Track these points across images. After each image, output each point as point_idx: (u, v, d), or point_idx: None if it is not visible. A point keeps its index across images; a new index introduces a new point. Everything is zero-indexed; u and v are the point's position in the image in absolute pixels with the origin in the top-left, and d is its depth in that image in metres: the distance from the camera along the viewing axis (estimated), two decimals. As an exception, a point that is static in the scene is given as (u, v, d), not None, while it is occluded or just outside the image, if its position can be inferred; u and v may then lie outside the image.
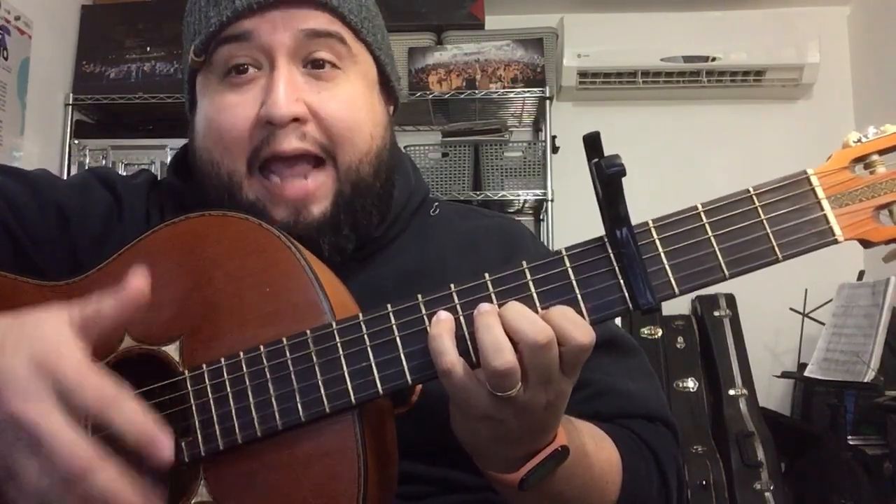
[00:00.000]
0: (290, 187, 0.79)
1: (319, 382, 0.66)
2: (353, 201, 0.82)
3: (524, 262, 0.65)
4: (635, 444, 0.82)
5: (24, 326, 0.61)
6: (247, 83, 0.80)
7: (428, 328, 0.65)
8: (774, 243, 0.63)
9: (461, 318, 0.64)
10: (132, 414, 0.58)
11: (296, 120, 0.78)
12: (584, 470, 0.73)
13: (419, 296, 0.66)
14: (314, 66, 0.81)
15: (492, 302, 0.64)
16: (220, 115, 0.80)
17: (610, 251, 0.65)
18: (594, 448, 0.75)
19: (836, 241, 0.63)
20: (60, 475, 0.56)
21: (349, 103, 0.82)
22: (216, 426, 0.67)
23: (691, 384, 2.72)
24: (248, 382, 0.67)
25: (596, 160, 0.62)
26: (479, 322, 0.62)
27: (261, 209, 0.79)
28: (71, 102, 2.75)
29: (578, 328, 0.61)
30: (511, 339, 0.60)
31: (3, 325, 0.61)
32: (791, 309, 2.71)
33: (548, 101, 2.81)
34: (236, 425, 0.67)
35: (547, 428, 0.67)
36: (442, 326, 0.63)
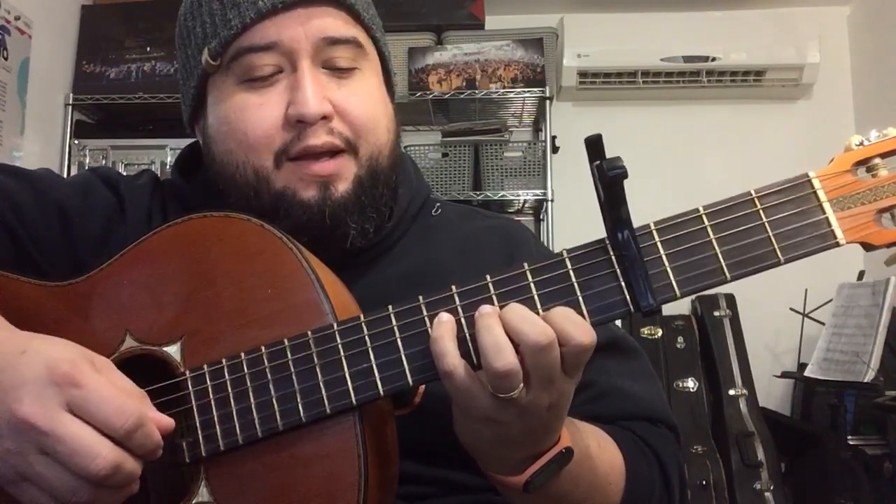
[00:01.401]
0: (317, 165, 0.80)
1: (320, 383, 0.66)
2: (373, 187, 0.83)
3: (525, 264, 0.66)
4: (638, 445, 0.83)
5: (49, 341, 0.63)
6: (268, 84, 0.81)
7: (429, 329, 0.65)
8: (776, 246, 0.63)
9: (462, 319, 0.65)
10: (149, 438, 0.61)
11: (324, 118, 0.79)
12: (587, 471, 0.73)
13: (420, 297, 0.66)
14: (333, 64, 0.82)
15: (493, 303, 0.64)
16: (244, 115, 0.80)
17: (611, 253, 0.65)
18: (597, 450, 0.75)
19: (837, 245, 0.64)
20: (85, 474, 0.58)
21: (368, 98, 0.84)
22: (217, 427, 0.68)
23: (691, 384, 2.72)
24: (249, 383, 0.68)
25: (598, 162, 0.62)
26: (480, 323, 0.62)
27: (290, 194, 0.80)
28: (71, 102, 2.75)
29: (579, 329, 0.61)
30: (512, 341, 0.60)
31: (28, 336, 0.64)
32: (791, 309, 2.71)
33: (548, 101, 2.81)
34: (237, 426, 0.67)
35: (550, 429, 0.67)
36: (443, 328, 0.63)
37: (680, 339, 2.80)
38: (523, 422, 0.63)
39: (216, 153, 0.84)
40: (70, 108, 2.75)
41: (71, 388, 0.59)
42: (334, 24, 0.81)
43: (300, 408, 0.66)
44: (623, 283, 0.64)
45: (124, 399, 0.60)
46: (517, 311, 0.62)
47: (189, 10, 0.86)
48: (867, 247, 0.64)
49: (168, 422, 0.63)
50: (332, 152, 0.81)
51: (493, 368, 0.60)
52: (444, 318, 0.64)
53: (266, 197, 0.80)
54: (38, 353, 0.61)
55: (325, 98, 0.80)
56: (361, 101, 0.82)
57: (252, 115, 0.80)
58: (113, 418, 0.59)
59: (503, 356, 0.60)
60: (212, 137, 0.85)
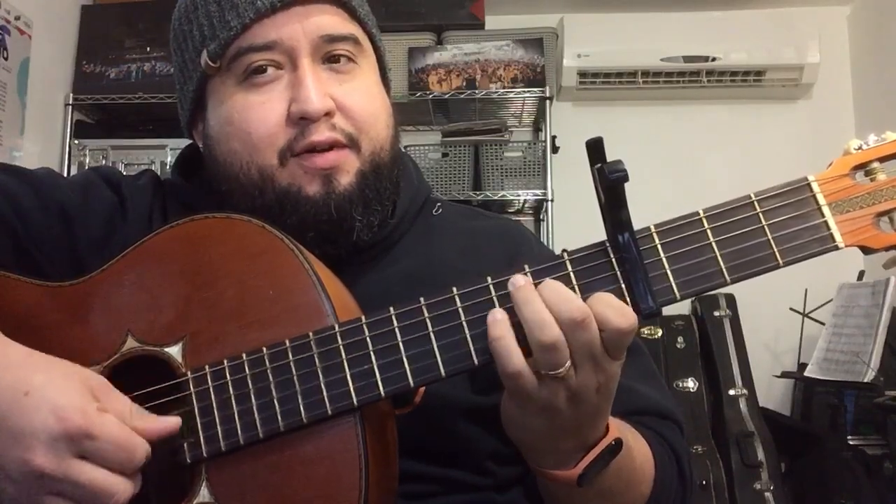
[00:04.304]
0: (320, 158, 0.80)
1: (322, 384, 0.66)
2: (377, 181, 0.84)
3: (526, 266, 0.66)
4: (655, 437, 0.83)
5: (49, 378, 0.64)
6: (268, 83, 0.81)
7: (431, 332, 0.65)
8: (775, 249, 0.64)
9: (464, 322, 0.65)
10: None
11: (327, 114, 0.80)
12: (628, 461, 0.74)
13: (422, 299, 0.67)
14: (333, 61, 0.83)
15: (494, 305, 0.65)
16: (246, 115, 0.81)
17: (612, 256, 0.65)
18: (633, 441, 0.76)
19: (836, 248, 0.64)
20: None
21: (368, 94, 0.84)
22: (218, 427, 0.68)
23: (691, 384, 2.72)
24: (250, 384, 0.68)
25: (598, 165, 0.62)
26: (519, 297, 0.62)
27: (295, 191, 0.80)
28: (71, 102, 2.74)
29: (618, 313, 0.62)
30: None
31: (26, 368, 0.65)
32: (791, 309, 2.71)
33: (548, 101, 2.81)
34: (238, 426, 0.67)
35: (600, 415, 0.67)
36: (503, 328, 0.63)
37: (680, 339, 2.80)
38: (575, 407, 0.64)
39: (219, 154, 0.84)
40: (70, 108, 2.74)
41: (85, 440, 0.61)
42: (332, 21, 0.82)
43: (301, 409, 0.66)
44: (623, 286, 0.64)
45: (132, 438, 0.63)
46: (552, 287, 0.62)
47: (184, 14, 0.86)
48: (866, 250, 0.64)
49: (175, 423, 0.67)
50: (334, 146, 0.81)
51: (538, 342, 0.61)
52: (499, 315, 0.63)
53: (271, 195, 0.80)
54: (44, 398, 0.62)
55: (327, 94, 0.80)
56: (362, 97, 0.83)
57: (255, 114, 0.80)
58: (125, 462, 0.63)
59: (548, 329, 0.60)
60: (214, 139, 0.85)
